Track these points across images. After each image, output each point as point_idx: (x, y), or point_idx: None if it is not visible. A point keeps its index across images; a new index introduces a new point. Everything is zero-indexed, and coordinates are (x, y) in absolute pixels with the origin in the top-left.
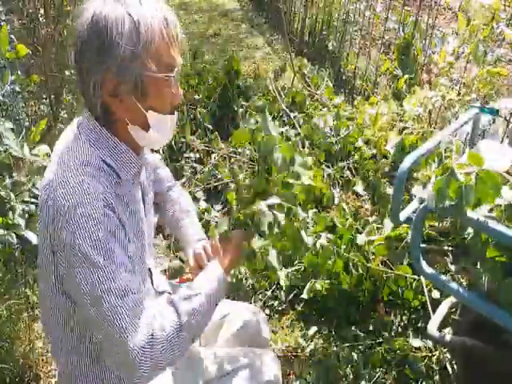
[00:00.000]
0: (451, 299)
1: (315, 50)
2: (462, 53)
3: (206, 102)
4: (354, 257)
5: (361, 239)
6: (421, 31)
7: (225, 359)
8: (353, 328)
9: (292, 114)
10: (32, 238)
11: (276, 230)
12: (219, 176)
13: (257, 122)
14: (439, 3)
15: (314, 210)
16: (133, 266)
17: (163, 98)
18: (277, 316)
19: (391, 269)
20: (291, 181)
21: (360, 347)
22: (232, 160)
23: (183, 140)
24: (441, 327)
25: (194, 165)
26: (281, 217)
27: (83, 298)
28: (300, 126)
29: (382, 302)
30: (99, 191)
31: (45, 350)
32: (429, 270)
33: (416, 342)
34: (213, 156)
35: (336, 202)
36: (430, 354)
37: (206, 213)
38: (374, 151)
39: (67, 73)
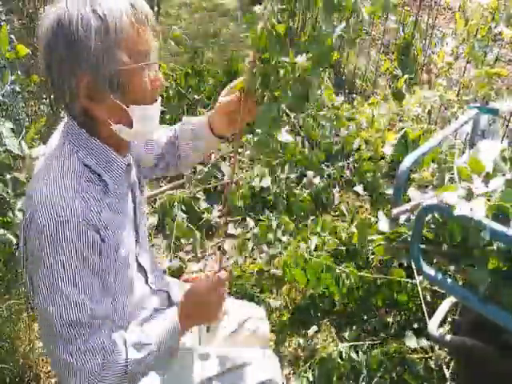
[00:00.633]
0: (451, 299)
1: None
2: (462, 53)
3: (206, 102)
4: (345, 268)
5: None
6: (421, 31)
7: (224, 358)
8: (354, 328)
9: (292, 114)
10: None
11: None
12: (219, 176)
13: None
14: (439, 3)
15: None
16: (107, 281)
17: (142, 87)
18: (277, 316)
19: (389, 269)
20: None
21: (360, 347)
22: (232, 160)
23: None
24: (441, 327)
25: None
26: None
27: (41, 310)
28: (300, 126)
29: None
30: (79, 205)
31: (45, 349)
32: (429, 270)
33: (412, 343)
34: (213, 156)
35: (336, 201)
36: (426, 356)
37: (205, 213)
38: (373, 152)
39: None
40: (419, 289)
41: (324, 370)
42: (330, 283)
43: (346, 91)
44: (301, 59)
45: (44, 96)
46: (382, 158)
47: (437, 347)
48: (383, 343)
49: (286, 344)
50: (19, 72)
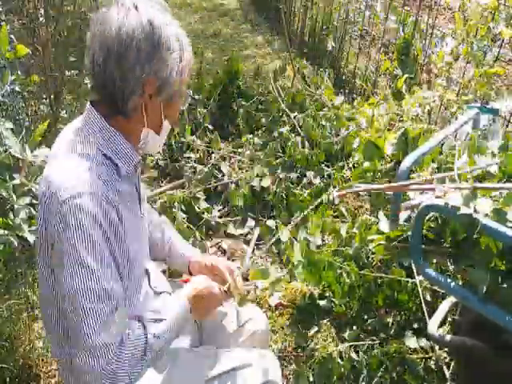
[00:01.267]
0: (451, 299)
1: (315, 50)
2: (461, 53)
3: (206, 102)
4: (346, 266)
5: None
6: (420, 31)
7: (224, 359)
8: (354, 328)
9: (292, 114)
10: (32, 240)
11: None
12: (219, 176)
13: None
14: (439, 3)
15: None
16: (120, 272)
17: (177, 111)
18: (276, 316)
19: (389, 268)
20: None
21: (360, 347)
22: (232, 160)
23: (183, 140)
24: (441, 327)
25: (194, 165)
26: None
27: (64, 290)
28: (300, 126)
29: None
30: (100, 186)
31: (45, 349)
32: (429, 270)
33: (412, 343)
34: (213, 156)
35: (336, 201)
36: (426, 356)
37: (205, 213)
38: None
39: (67, 73)
40: (419, 289)
41: (324, 369)
42: (332, 281)
43: (346, 91)
44: None
45: (44, 96)
46: (382, 157)
47: (437, 347)
48: (383, 343)
49: (286, 344)
50: (19, 72)
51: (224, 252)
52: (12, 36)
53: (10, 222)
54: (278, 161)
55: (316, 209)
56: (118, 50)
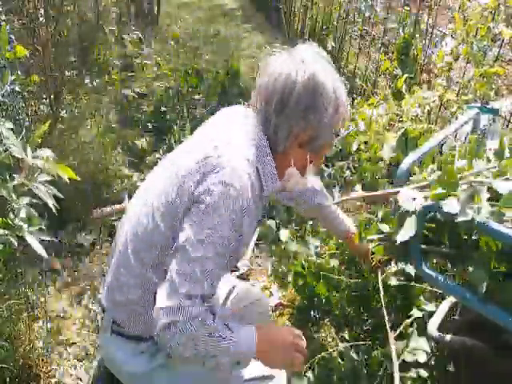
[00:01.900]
0: (451, 299)
1: None
2: (461, 53)
3: (206, 102)
4: (342, 278)
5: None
6: (420, 31)
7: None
8: (353, 328)
9: None
10: (32, 241)
11: None
12: None
13: None
14: (439, 3)
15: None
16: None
17: (322, 158)
18: (277, 315)
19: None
20: None
21: (360, 347)
22: None
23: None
24: (441, 327)
25: None
26: None
27: (188, 241)
28: None
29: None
30: (251, 186)
31: (45, 349)
32: (428, 270)
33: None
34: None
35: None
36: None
37: None
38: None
39: (67, 73)
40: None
41: (324, 369)
42: (329, 294)
43: (346, 91)
44: None
45: (44, 96)
46: (381, 159)
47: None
48: (383, 343)
49: None
50: (19, 72)
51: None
52: (12, 36)
53: (10, 222)
54: None
55: None
56: (282, 97)
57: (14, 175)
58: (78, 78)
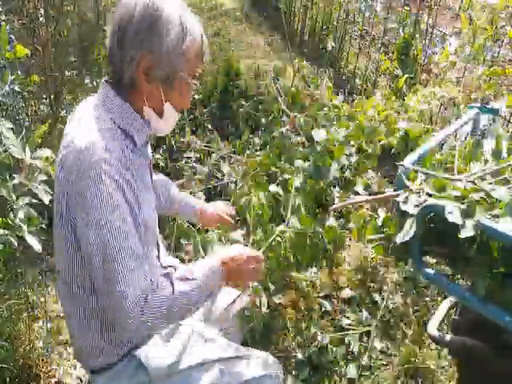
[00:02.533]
0: (451, 299)
1: (315, 50)
2: (462, 53)
3: (206, 102)
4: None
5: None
6: (420, 31)
7: (227, 346)
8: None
9: (292, 114)
10: (31, 241)
11: None
12: (219, 176)
13: None
14: (439, 3)
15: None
16: (138, 233)
17: (182, 97)
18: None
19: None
20: None
21: (360, 347)
22: (232, 160)
23: (183, 140)
24: (440, 327)
25: (194, 165)
26: None
27: (93, 252)
28: (300, 126)
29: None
30: (118, 155)
31: (45, 349)
32: (428, 270)
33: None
34: (213, 156)
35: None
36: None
37: None
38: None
39: (67, 73)
40: None
41: (322, 370)
42: None
43: (346, 91)
44: None
45: (44, 96)
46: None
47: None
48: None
49: (286, 344)
50: (19, 72)
51: None
52: (12, 36)
53: (10, 222)
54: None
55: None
56: (120, 24)
57: (14, 175)
58: (78, 78)
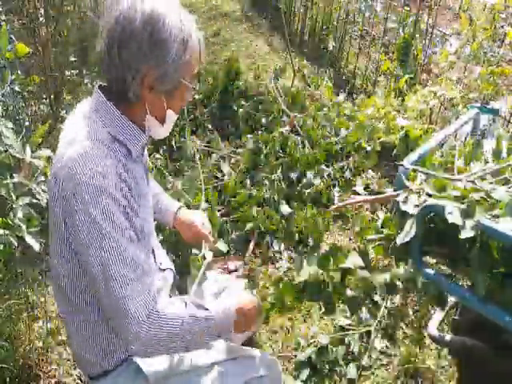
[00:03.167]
0: (451, 299)
1: (315, 50)
2: (462, 53)
3: (206, 102)
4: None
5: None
6: (420, 31)
7: (227, 348)
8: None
9: (292, 114)
10: (31, 241)
11: None
12: (219, 176)
13: None
14: (439, 3)
15: None
16: (139, 240)
17: (183, 101)
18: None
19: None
20: None
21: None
22: (232, 160)
23: (183, 140)
24: (441, 327)
25: (194, 165)
26: None
27: (93, 266)
28: (300, 126)
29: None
30: (112, 163)
31: (45, 349)
32: (428, 270)
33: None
34: (213, 156)
35: (336, 201)
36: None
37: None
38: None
39: (67, 73)
40: None
41: (322, 370)
42: None
43: (347, 91)
44: None
45: (44, 96)
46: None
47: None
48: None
49: (286, 344)
50: (19, 72)
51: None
52: (12, 36)
53: (10, 222)
54: (278, 161)
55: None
56: (120, 37)
57: (14, 175)
58: (78, 78)
